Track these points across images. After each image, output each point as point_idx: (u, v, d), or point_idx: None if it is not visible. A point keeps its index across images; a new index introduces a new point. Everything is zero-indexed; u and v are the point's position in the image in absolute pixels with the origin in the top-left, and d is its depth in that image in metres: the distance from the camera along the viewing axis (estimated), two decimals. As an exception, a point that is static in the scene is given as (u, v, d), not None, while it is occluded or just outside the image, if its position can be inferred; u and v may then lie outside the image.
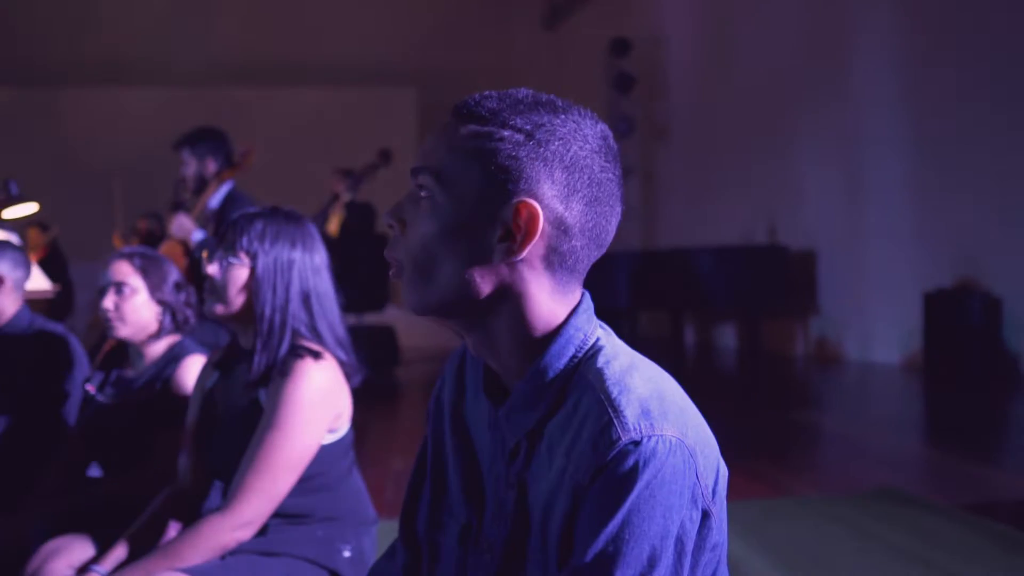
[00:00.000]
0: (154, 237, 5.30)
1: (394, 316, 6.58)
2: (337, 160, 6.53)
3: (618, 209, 0.85)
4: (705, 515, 0.78)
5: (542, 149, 0.79)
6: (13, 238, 3.49)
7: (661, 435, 0.74)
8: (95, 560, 1.64)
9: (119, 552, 1.62)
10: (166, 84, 8.80)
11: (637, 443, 0.74)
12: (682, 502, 0.75)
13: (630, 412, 0.75)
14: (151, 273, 2.09)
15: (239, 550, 1.54)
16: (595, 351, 0.82)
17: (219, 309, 1.66)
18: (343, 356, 1.65)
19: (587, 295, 0.87)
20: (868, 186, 6.88)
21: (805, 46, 7.47)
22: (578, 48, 9.81)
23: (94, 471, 2.20)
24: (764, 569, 2.37)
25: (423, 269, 0.82)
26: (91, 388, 2.15)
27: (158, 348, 2.12)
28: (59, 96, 8.49)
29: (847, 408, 5.52)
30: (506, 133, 0.80)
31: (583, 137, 0.81)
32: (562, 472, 0.78)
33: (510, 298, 0.82)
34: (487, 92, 0.83)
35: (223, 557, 1.54)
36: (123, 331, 2.04)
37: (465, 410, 0.94)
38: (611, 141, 0.84)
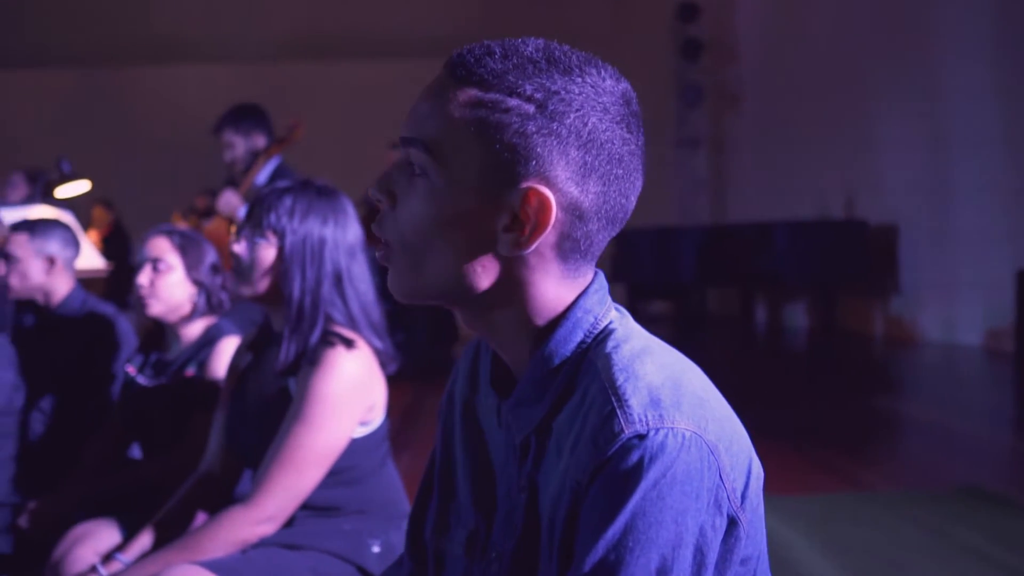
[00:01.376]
0: (212, 214, 5.35)
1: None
2: (394, 134, 6.46)
3: (639, 182, 0.75)
4: (732, 523, 0.68)
5: (556, 124, 0.69)
6: (68, 217, 3.52)
7: (672, 428, 0.65)
8: (121, 546, 1.61)
9: (144, 540, 1.58)
10: (226, 61, 8.88)
11: (642, 436, 0.65)
12: (699, 505, 0.65)
13: (636, 401, 0.66)
14: (188, 252, 2.05)
15: (263, 542, 1.48)
16: (606, 335, 0.74)
17: (245, 291, 1.59)
18: (378, 343, 1.55)
19: (600, 275, 0.78)
20: (955, 154, 6.45)
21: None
22: (642, 14, 9.48)
23: (136, 453, 2.18)
24: (826, 571, 2.20)
25: (413, 256, 0.73)
26: (131, 370, 2.13)
27: (194, 330, 2.09)
28: (122, 76, 8.66)
29: (928, 394, 5.20)
30: (513, 103, 0.69)
31: (603, 106, 0.70)
32: (566, 471, 0.70)
33: (513, 287, 0.73)
34: (487, 44, 0.71)
35: (246, 550, 1.48)
36: (155, 308, 2.01)
37: (478, 407, 0.86)
38: (634, 104, 0.74)
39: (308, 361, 1.50)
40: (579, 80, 0.70)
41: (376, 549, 1.54)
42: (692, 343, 7.24)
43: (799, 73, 8.08)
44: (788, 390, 4.97)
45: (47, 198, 4.14)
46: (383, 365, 1.57)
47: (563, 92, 0.69)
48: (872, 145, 7.26)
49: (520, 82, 0.69)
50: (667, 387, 0.68)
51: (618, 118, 0.71)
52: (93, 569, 1.52)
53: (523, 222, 0.69)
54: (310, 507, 1.52)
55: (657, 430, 0.65)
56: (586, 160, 0.69)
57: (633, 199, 0.75)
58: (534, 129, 0.68)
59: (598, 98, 0.70)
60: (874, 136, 7.23)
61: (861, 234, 6.45)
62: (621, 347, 0.71)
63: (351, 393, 1.49)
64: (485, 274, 0.72)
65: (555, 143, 0.68)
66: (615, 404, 0.66)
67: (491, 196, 0.70)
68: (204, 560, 1.42)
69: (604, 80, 0.71)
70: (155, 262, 2.02)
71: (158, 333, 2.15)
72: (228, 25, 8.73)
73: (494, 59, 0.70)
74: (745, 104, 8.90)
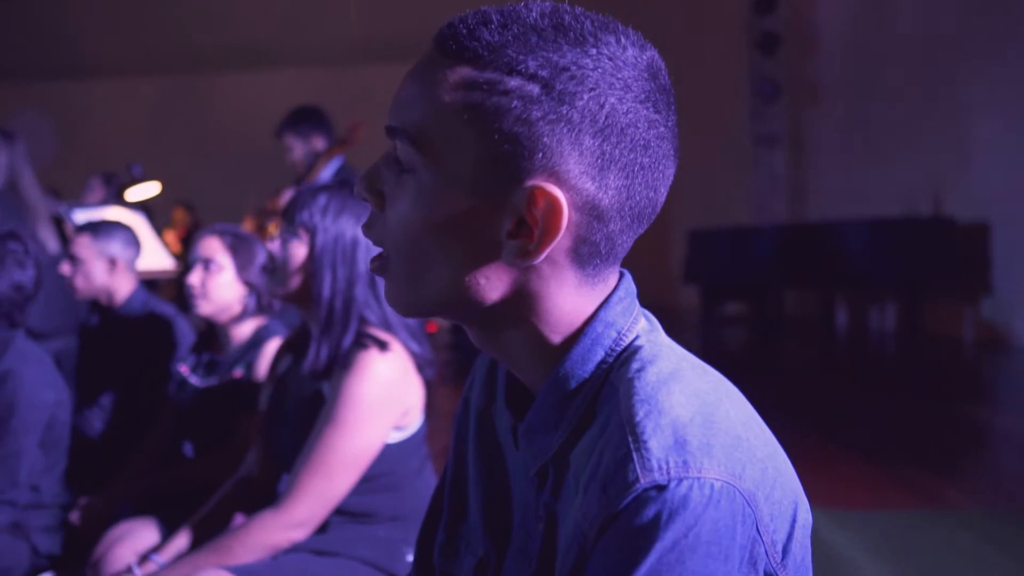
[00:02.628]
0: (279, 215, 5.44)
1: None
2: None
3: (670, 170, 0.63)
4: None
5: (566, 107, 0.57)
6: (139, 218, 3.62)
7: (699, 478, 0.54)
8: (159, 546, 1.61)
9: (180, 541, 1.58)
10: (299, 65, 9.07)
11: (662, 488, 0.54)
12: (729, 568, 0.54)
13: (657, 443, 0.55)
14: (240, 252, 2.06)
15: (295, 547, 1.45)
16: (630, 353, 0.62)
17: (277, 290, 1.57)
18: (415, 347, 1.50)
19: (626, 279, 0.67)
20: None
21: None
22: (716, 7, 9.24)
23: (191, 452, 2.20)
24: (899, 594, 2.05)
25: (409, 265, 0.63)
26: (184, 370, 2.15)
27: (244, 331, 2.09)
28: (200, 83, 8.94)
29: (1021, 403, 4.87)
30: (514, 83, 0.57)
31: (623, 83, 0.58)
32: (576, 519, 0.59)
33: (524, 300, 0.63)
34: (484, 10, 0.60)
35: (276, 556, 1.45)
36: (205, 308, 2.02)
37: (496, 419, 0.76)
38: (663, 77, 0.62)
39: (341, 364, 1.47)
40: (593, 52, 0.58)
41: (411, 558, 1.50)
42: (768, 346, 7.00)
43: (885, 65, 7.72)
44: (867, 397, 4.73)
45: (119, 200, 4.28)
46: (420, 369, 1.52)
47: (574, 67, 0.57)
48: (963, 140, 6.87)
49: (522, 57, 0.57)
50: (696, 424, 0.56)
51: (642, 96, 0.59)
52: (129, 569, 1.52)
53: (530, 226, 0.59)
54: (344, 513, 1.49)
55: (680, 480, 0.54)
56: (604, 149, 0.58)
57: (663, 191, 0.63)
58: (539, 115, 0.57)
59: (617, 73, 0.58)
60: (966, 131, 6.84)
61: (949, 232, 6.11)
62: (646, 370, 0.60)
63: (384, 396, 1.45)
64: (491, 286, 0.61)
65: (565, 130, 0.57)
66: (631, 446, 0.55)
67: (491, 196, 0.59)
68: (234, 565, 1.40)
69: (625, 50, 0.59)
70: (206, 262, 2.03)
71: (211, 334, 2.17)
72: (301, 30, 8.90)
73: (490, 29, 0.58)
74: (825, 99, 8.57)
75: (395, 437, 1.49)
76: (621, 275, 0.67)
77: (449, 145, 0.59)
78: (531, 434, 0.65)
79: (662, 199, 0.64)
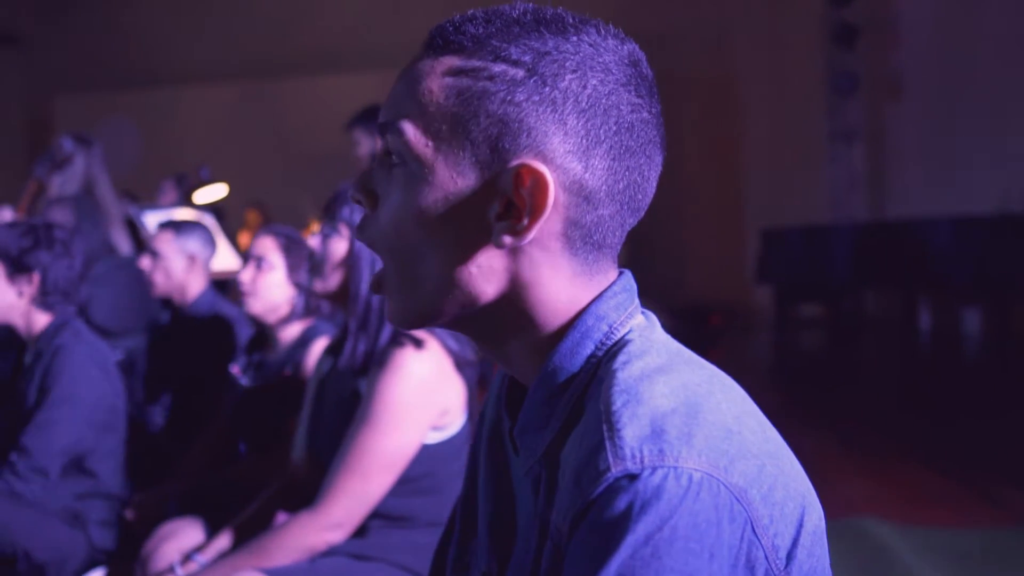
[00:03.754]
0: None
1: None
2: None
3: (658, 159, 0.64)
4: None
5: (548, 88, 0.59)
6: (208, 219, 3.70)
7: (675, 467, 0.51)
8: (203, 546, 1.62)
9: (222, 541, 1.59)
10: (374, 70, 9.20)
11: (633, 477, 0.51)
12: (715, 568, 0.50)
13: (631, 432, 0.53)
14: (292, 253, 2.07)
15: (333, 551, 1.44)
16: (619, 347, 0.61)
17: (317, 286, 1.56)
18: (453, 345, 1.47)
19: (625, 276, 0.66)
20: None
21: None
22: (791, -1, 8.95)
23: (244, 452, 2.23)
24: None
25: (403, 265, 0.63)
26: (236, 370, 2.17)
27: (292, 331, 2.10)
28: (278, 88, 9.14)
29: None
30: (498, 68, 0.59)
31: (603, 66, 0.60)
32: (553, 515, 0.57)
33: (518, 290, 0.62)
34: (471, 12, 0.62)
35: (314, 559, 1.44)
36: (254, 306, 2.04)
37: (504, 431, 0.73)
38: (644, 67, 0.63)
39: (376, 362, 1.45)
40: (574, 39, 0.60)
41: (452, 565, 1.47)
42: (845, 350, 6.74)
43: (973, 56, 7.34)
44: (951, 405, 4.49)
45: (189, 202, 4.41)
46: (459, 368, 1.48)
47: (555, 52, 0.59)
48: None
49: (505, 45, 0.59)
50: (678, 415, 0.54)
51: (624, 79, 0.60)
52: (171, 568, 1.53)
53: (519, 207, 0.59)
54: (382, 516, 1.47)
55: (654, 469, 0.51)
56: (588, 129, 0.59)
57: (652, 180, 0.63)
58: (524, 96, 0.58)
59: (598, 57, 0.60)
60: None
61: (1042, 231, 5.76)
62: (632, 363, 0.58)
63: (419, 395, 1.42)
64: (483, 276, 0.61)
65: (549, 111, 0.58)
66: (605, 434, 0.53)
67: (479, 179, 0.60)
68: (271, 568, 1.39)
69: (605, 39, 0.61)
70: (259, 260, 2.05)
71: (262, 335, 2.19)
72: (369, 35, 9.02)
73: (475, 24, 0.61)
74: (907, 92, 8.20)
75: (434, 438, 1.46)
76: (621, 273, 0.66)
77: (438, 132, 0.60)
78: (523, 434, 0.64)
79: (652, 187, 0.64)
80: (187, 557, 1.56)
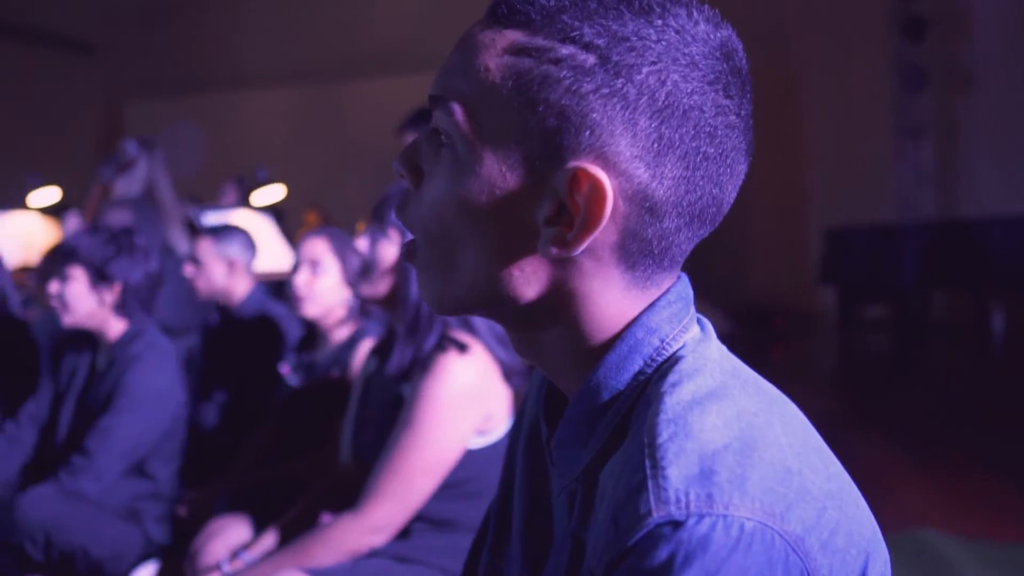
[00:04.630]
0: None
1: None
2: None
3: (741, 168, 0.56)
4: None
5: (622, 81, 0.51)
6: (266, 220, 3.77)
7: (725, 515, 0.45)
8: (250, 543, 1.64)
9: (268, 540, 1.61)
10: (435, 72, 9.27)
11: (678, 525, 0.45)
12: None
13: (677, 471, 0.47)
14: (346, 255, 2.08)
15: (375, 553, 1.44)
16: (671, 364, 0.55)
17: (365, 290, 1.56)
18: (501, 354, 1.46)
19: (681, 282, 0.59)
20: None
21: None
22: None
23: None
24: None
25: (440, 252, 0.57)
26: (284, 371, 2.19)
27: (342, 332, 2.12)
28: (339, 91, 9.27)
29: None
30: (566, 51, 0.52)
31: (689, 59, 0.52)
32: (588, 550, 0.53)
33: (563, 299, 0.56)
34: None
35: (359, 560, 1.45)
36: (311, 310, 2.05)
37: (544, 437, 0.69)
38: (738, 59, 0.55)
39: (420, 366, 1.45)
40: (659, 23, 0.52)
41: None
42: (913, 353, 6.51)
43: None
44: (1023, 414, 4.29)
45: (248, 203, 4.49)
46: (507, 377, 1.47)
47: (634, 38, 0.51)
48: None
49: (577, 24, 0.52)
50: (731, 452, 0.48)
51: (711, 76, 0.53)
52: (218, 565, 1.55)
53: (572, 213, 0.53)
54: (426, 520, 1.46)
55: (701, 517, 0.45)
56: (662, 132, 0.52)
57: (731, 190, 0.56)
58: (591, 87, 0.51)
59: (684, 47, 0.52)
60: None
61: None
62: (682, 385, 0.52)
63: (463, 400, 1.41)
64: (525, 279, 0.55)
65: (619, 107, 0.51)
66: (648, 472, 0.48)
67: (530, 175, 0.53)
68: (313, 568, 1.40)
69: (696, 24, 0.53)
70: (312, 264, 2.06)
71: (312, 334, 2.21)
72: (434, 38, 9.10)
73: None
74: (978, 86, 7.89)
75: (478, 443, 1.45)
76: (678, 278, 0.60)
77: (491, 115, 0.54)
78: (561, 448, 0.59)
79: (729, 199, 0.57)
80: (234, 554, 1.58)
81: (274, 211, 4.90)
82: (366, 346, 1.99)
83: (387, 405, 1.55)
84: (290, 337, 2.51)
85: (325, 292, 2.04)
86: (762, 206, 8.67)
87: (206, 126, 9.27)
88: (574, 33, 0.52)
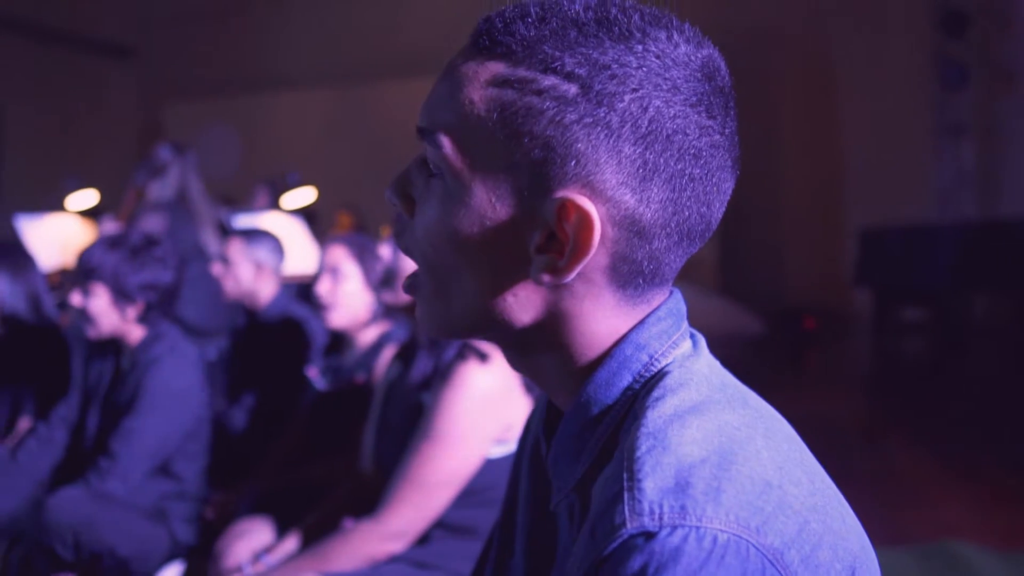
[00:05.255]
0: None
1: (675, 296, 6.23)
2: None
3: (727, 185, 0.57)
4: None
5: (604, 110, 0.52)
6: (297, 223, 3.81)
7: (698, 527, 0.46)
8: (272, 546, 1.66)
9: (289, 544, 1.63)
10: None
11: (650, 535, 0.46)
12: None
13: (653, 484, 0.48)
14: (366, 260, 2.09)
15: (395, 559, 1.45)
16: (658, 379, 0.56)
17: (387, 297, 1.57)
18: None
19: (673, 297, 0.60)
20: None
21: None
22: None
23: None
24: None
25: (435, 280, 0.59)
26: (311, 374, 2.21)
27: (369, 336, 2.13)
28: (371, 92, 9.33)
29: None
30: (548, 82, 0.52)
31: (671, 84, 0.53)
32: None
33: (558, 322, 0.58)
34: (524, 4, 0.55)
35: (378, 566, 1.46)
36: (337, 320, 2.07)
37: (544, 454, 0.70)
38: (721, 78, 0.55)
39: (441, 375, 1.46)
40: (639, 48, 0.52)
41: (511, 577, 1.45)
42: (952, 358, 6.38)
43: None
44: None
45: (279, 206, 4.54)
46: (527, 387, 1.47)
47: (615, 66, 0.52)
48: None
49: (558, 54, 0.52)
50: (708, 465, 0.48)
51: (693, 99, 0.53)
52: (239, 568, 1.57)
53: (561, 241, 0.54)
54: (445, 526, 1.47)
55: (673, 528, 0.46)
56: (647, 158, 0.52)
57: (719, 207, 0.57)
58: (575, 117, 0.52)
59: (665, 72, 0.52)
60: None
61: None
62: (664, 400, 0.53)
63: (481, 410, 1.41)
64: (520, 305, 0.57)
65: (603, 136, 0.52)
66: (624, 484, 0.49)
67: (520, 206, 0.54)
68: (332, 574, 1.41)
69: (676, 47, 0.53)
70: (333, 271, 2.08)
71: (338, 338, 2.22)
72: (467, 38, 9.13)
73: (527, 23, 0.54)
74: (1021, 83, 7.70)
75: (498, 452, 1.45)
76: (670, 293, 0.61)
77: (478, 147, 0.54)
78: (556, 464, 0.60)
79: (717, 215, 0.57)
80: (256, 557, 1.60)
81: (306, 213, 4.94)
82: (389, 351, 2.00)
83: (408, 413, 1.56)
84: (317, 341, 2.53)
85: (348, 298, 2.05)
86: (797, 206, 8.55)
87: (242, 128, 9.40)
88: (555, 63, 0.52)
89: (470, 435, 1.41)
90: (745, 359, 6.29)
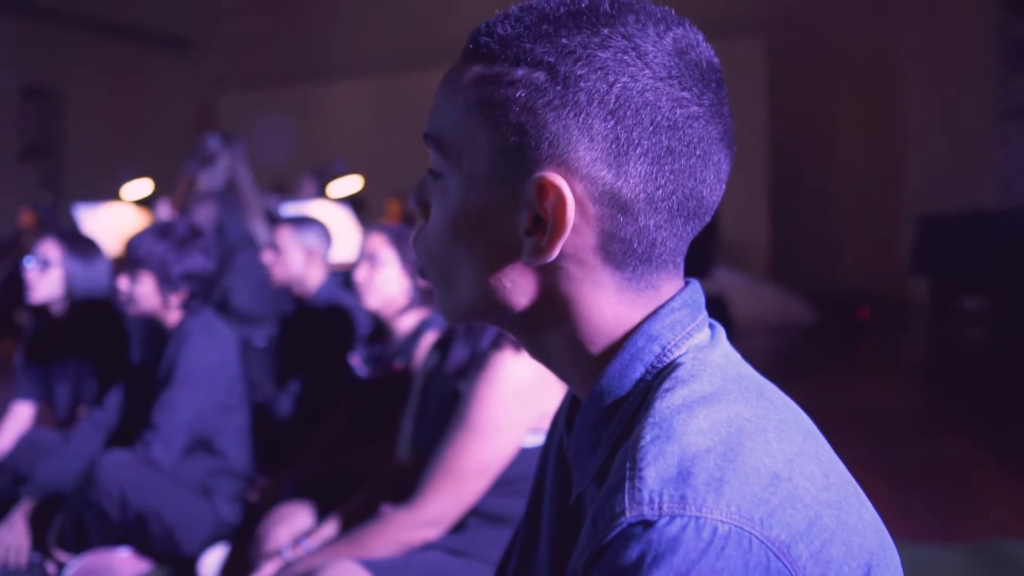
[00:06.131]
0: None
1: (724, 282, 6.14)
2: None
3: (717, 156, 0.57)
4: None
5: (572, 91, 0.54)
6: (344, 211, 3.86)
7: (697, 517, 0.45)
8: (311, 531, 1.69)
9: (328, 529, 1.66)
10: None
11: (649, 524, 0.46)
12: None
13: (654, 472, 0.48)
14: (403, 246, 2.12)
15: (430, 546, 1.47)
16: (670, 371, 0.56)
17: (421, 283, 1.58)
18: None
19: (689, 288, 0.60)
20: None
21: None
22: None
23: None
24: None
25: (442, 271, 0.61)
26: (354, 362, 2.24)
27: (407, 323, 2.15)
28: (415, 81, 9.38)
29: None
30: (520, 73, 0.55)
31: (640, 58, 0.54)
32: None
33: (557, 304, 0.59)
34: (509, 9, 0.58)
35: (414, 553, 1.47)
36: (373, 302, 2.10)
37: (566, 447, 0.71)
38: (695, 53, 0.56)
39: (476, 364, 1.46)
40: (605, 31, 0.54)
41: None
42: (1014, 348, 6.16)
43: None
44: None
45: (324, 195, 4.60)
46: None
47: (580, 50, 0.54)
48: None
49: (528, 46, 0.55)
50: (713, 455, 0.48)
51: (663, 73, 0.54)
52: (279, 552, 1.61)
53: (545, 221, 0.55)
54: (480, 514, 1.48)
55: (672, 518, 0.45)
56: (618, 133, 0.53)
57: (712, 180, 0.57)
58: (544, 102, 0.54)
59: (632, 50, 0.54)
60: None
61: None
62: (675, 391, 0.53)
63: (516, 399, 1.42)
64: (517, 289, 0.58)
65: (572, 116, 0.53)
66: (627, 472, 0.48)
67: (506, 193, 0.56)
68: (368, 559, 1.44)
69: (645, 27, 0.55)
70: (371, 258, 2.11)
71: (382, 327, 2.25)
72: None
73: (505, 24, 0.57)
74: (1094, 61, 7.35)
75: (532, 441, 1.45)
76: (687, 284, 0.61)
77: (466, 145, 0.58)
78: (576, 457, 0.61)
79: (711, 190, 0.57)
80: (295, 541, 1.64)
81: (355, 201, 5.00)
82: (428, 339, 2.01)
83: (445, 401, 1.57)
84: (361, 329, 2.56)
85: (384, 283, 2.08)
86: (852, 190, 8.33)
87: (295, 116, 9.54)
88: (526, 55, 0.55)
89: (505, 424, 1.41)
90: (797, 348, 6.18)
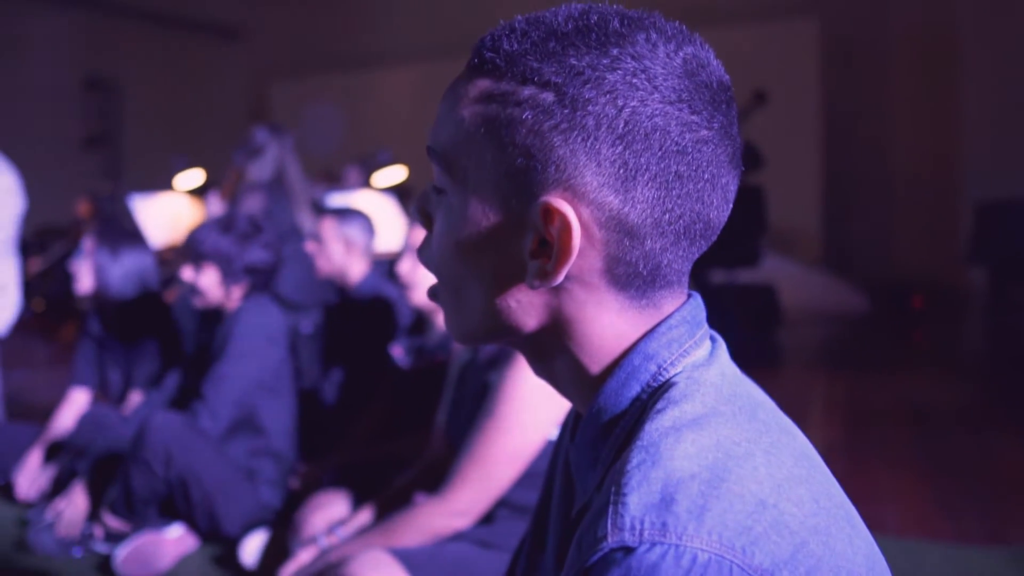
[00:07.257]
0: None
1: (773, 270, 6.04)
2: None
3: (725, 179, 0.56)
4: None
5: (580, 114, 0.53)
6: (389, 201, 3.90)
7: (677, 544, 0.46)
8: (347, 519, 1.73)
9: (362, 517, 1.70)
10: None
11: (629, 551, 0.46)
12: None
13: (637, 498, 0.48)
14: None
15: (459, 536, 1.50)
16: (665, 389, 0.56)
17: (429, 304, 1.60)
18: None
19: (689, 304, 0.60)
20: None
21: None
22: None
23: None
24: None
25: (449, 291, 0.62)
26: (397, 352, 2.28)
27: (446, 316, 2.18)
28: (458, 68, 9.40)
29: None
30: (527, 92, 0.54)
31: (649, 81, 0.53)
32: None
33: (563, 325, 0.59)
34: (515, 20, 0.57)
35: (443, 543, 1.50)
36: (417, 296, 2.12)
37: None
38: (705, 75, 0.55)
39: (506, 356, 1.48)
40: (615, 51, 0.53)
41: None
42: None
43: None
44: None
45: (368, 184, 4.65)
46: None
47: (588, 71, 0.53)
48: None
49: (536, 65, 0.54)
50: (697, 482, 0.48)
51: (673, 96, 0.53)
52: (314, 539, 1.66)
53: (549, 244, 0.55)
54: (509, 505, 1.50)
55: (652, 545, 0.46)
56: (626, 158, 0.53)
57: (718, 203, 0.56)
58: (551, 124, 0.53)
59: (641, 72, 0.53)
60: None
61: None
62: (666, 412, 0.53)
63: (544, 393, 1.43)
64: (523, 311, 0.58)
65: (579, 140, 0.53)
66: (612, 497, 0.48)
67: (511, 215, 0.56)
68: (398, 549, 1.47)
69: (655, 47, 0.53)
70: (414, 251, 2.13)
71: (423, 319, 2.28)
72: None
73: (511, 38, 0.55)
74: None
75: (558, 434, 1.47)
76: (687, 299, 0.60)
77: (470, 162, 0.57)
78: (578, 471, 0.61)
79: (717, 212, 0.57)
80: (331, 529, 1.68)
81: (402, 190, 5.04)
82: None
83: (477, 392, 1.59)
84: (402, 320, 2.60)
85: (427, 277, 2.10)
86: (907, 177, 8.10)
87: (346, 104, 9.63)
88: (533, 75, 0.54)
89: (532, 415, 1.42)
90: (848, 338, 6.05)
